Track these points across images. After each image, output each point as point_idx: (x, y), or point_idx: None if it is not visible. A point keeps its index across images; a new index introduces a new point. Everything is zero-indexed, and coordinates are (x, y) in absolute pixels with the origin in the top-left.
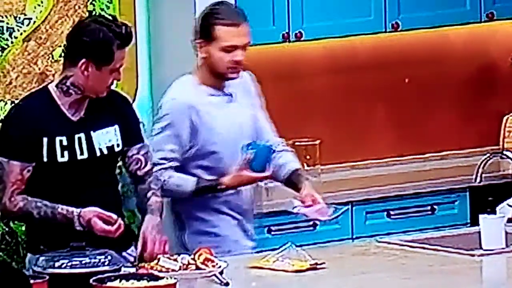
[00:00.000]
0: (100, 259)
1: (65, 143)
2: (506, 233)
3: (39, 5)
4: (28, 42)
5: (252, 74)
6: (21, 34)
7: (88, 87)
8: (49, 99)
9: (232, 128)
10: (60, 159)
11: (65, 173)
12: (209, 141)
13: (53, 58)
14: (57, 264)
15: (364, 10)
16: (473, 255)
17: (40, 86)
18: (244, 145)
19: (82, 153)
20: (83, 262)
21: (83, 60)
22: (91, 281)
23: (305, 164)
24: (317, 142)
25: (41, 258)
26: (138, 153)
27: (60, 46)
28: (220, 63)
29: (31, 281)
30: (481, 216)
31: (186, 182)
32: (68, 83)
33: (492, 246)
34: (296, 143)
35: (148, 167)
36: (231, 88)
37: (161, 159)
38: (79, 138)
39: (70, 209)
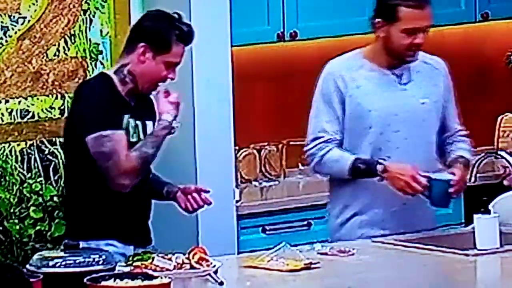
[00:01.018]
0: (94, 258)
1: (133, 125)
2: (501, 233)
3: (33, 4)
4: (23, 41)
5: (445, 63)
6: (15, 33)
7: (140, 75)
8: (112, 84)
9: (387, 109)
10: (131, 139)
11: None
12: (354, 116)
13: (47, 57)
14: (51, 263)
15: (359, 10)
16: (467, 255)
17: (95, 73)
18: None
19: (141, 139)
20: (77, 261)
21: (142, 44)
22: (85, 280)
23: (299, 164)
24: None
25: (35, 257)
26: None
27: (54, 45)
28: (399, 44)
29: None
30: (475, 216)
31: (344, 159)
32: (125, 71)
33: (486, 246)
34: (291, 143)
35: None
36: (407, 72)
37: (320, 131)
38: (137, 125)
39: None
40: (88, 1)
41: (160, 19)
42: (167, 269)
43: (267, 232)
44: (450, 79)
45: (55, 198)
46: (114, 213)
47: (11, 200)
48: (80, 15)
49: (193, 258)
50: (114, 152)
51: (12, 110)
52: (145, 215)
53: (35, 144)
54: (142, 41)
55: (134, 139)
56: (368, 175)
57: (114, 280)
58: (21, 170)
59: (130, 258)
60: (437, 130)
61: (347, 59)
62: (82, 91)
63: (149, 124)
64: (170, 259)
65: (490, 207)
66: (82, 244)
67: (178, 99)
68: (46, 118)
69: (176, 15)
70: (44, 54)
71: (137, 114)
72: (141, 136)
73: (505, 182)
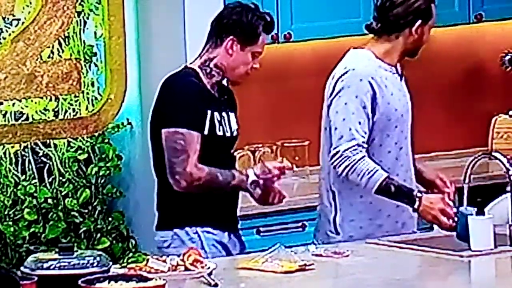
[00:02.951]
0: (89, 260)
1: (218, 118)
2: (495, 234)
3: (27, 6)
4: (17, 43)
5: None
6: (9, 35)
7: (230, 68)
8: (198, 77)
9: (403, 107)
10: (218, 133)
11: (217, 147)
12: (386, 117)
13: (41, 59)
14: (45, 265)
15: (354, 12)
16: (461, 256)
17: (180, 67)
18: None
19: (226, 131)
20: (72, 263)
21: (230, 38)
22: (79, 282)
23: (293, 165)
24: (306, 143)
25: (30, 259)
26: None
27: (48, 47)
28: (425, 41)
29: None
30: (469, 217)
31: (376, 174)
32: (211, 65)
33: (480, 247)
34: (285, 144)
35: None
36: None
37: (352, 134)
38: (223, 117)
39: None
40: (82, 3)
41: (244, 12)
42: (162, 271)
43: (262, 234)
44: None
45: (50, 200)
46: (208, 201)
47: (5, 202)
48: (74, 17)
49: (187, 260)
50: (184, 151)
51: (6, 112)
52: (235, 203)
53: (29, 146)
54: (230, 34)
55: (220, 133)
56: (394, 198)
57: (109, 282)
58: (16, 172)
59: (125, 260)
60: None
61: (368, 60)
62: (169, 85)
63: (231, 115)
64: (164, 261)
65: (486, 210)
66: (177, 231)
67: (281, 166)
68: (40, 120)
69: (253, 5)
70: (38, 56)
71: (221, 107)
72: (226, 128)
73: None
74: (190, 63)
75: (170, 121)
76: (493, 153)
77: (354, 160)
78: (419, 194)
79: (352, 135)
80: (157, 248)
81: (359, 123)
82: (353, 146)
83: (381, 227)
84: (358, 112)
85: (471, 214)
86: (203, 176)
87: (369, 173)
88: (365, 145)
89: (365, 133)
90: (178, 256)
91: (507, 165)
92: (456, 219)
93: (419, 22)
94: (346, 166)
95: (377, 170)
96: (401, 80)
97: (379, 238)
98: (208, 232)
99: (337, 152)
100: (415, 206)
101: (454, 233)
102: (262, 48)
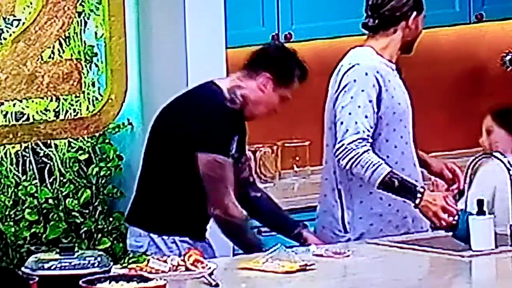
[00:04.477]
0: (89, 261)
1: (237, 140)
2: (496, 234)
3: (28, 6)
4: (18, 43)
5: None
6: (10, 35)
7: (255, 103)
8: (225, 100)
9: (405, 102)
10: (235, 156)
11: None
12: (391, 111)
13: (42, 59)
14: (46, 266)
15: (354, 12)
16: (462, 256)
17: (203, 82)
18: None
19: (236, 152)
20: (73, 263)
21: (266, 75)
22: (80, 282)
23: (294, 165)
24: (307, 143)
25: (30, 260)
26: (246, 160)
27: (49, 47)
28: (419, 34)
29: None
30: (470, 217)
31: (379, 168)
32: (238, 93)
33: (481, 247)
34: (286, 144)
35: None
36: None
37: (358, 127)
38: (238, 139)
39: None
40: (82, 3)
41: (286, 54)
42: (163, 271)
43: (263, 234)
44: None
45: (50, 201)
46: (183, 211)
47: (6, 202)
48: (75, 17)
49: (188, 260)
50: (222, 181)
51: (7, 112)
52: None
53: (30, 146)
54: (267, 71)
55: (236, 155)
56: (397, 193)
57: (110, 283)
58: (16, 173)
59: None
60: None
61: (371, 55)
62: (204, 105)
63: (235, 137)
64: (165, 261)
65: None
66: (154, 237)
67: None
68: (41, 121)
69: (293, 51)
70: (39, 57)
71: (239, 132)
72: (235, 150)
73: None
74: (217, 79)
75: (206, 145)
76: (494, 153)
77: (358, 153)
78: (421, 190)
79: (358, 129)
80: (131, 251)
81: (366, 117)
82: (358, 139)
83: (390, 223)
84: (365, 106)
85: (472, 214)
86: (237, 216)
87: (373, 166)
88: (370, 140)
89: (371, 127)
90: (179, 256)
91: (508, 165)
92: (456, 217)
93: (414, 13)
94: (350, 159)
95: (381, 164)
96: (400, 77)
97: (388, 235)
98: (184, 241)
99: (342, 145)
100: (416, 202)
101: (451, 233)
102: (291, 94)
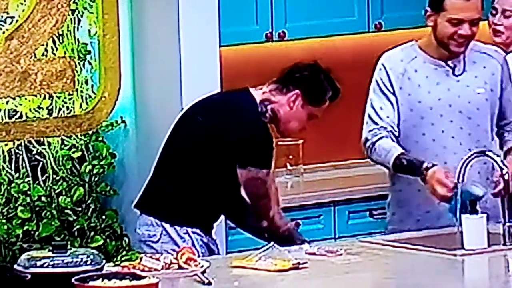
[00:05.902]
0: (82, 258)
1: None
2: (488, 233)
3: (21, 4)
4: (11, 41)
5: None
6: (3, 32)
7: (284, 119)
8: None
9: (439, 100)
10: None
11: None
12: (407, 107)
13: (35, 56)
14: (39, 263)
15: (348, 10)
16: (455, 255)
17: (245, 89)
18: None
19: None
20: (65, 261)
21: (296, 92)
22: (73, 280)
23: (287, 164)
24: (300, 141)
25: (23, 257)
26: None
27: (42, 45)
28: (444, 34)
29: None
30: (463, 216)
31: (390, 151)
32: (268, 107)
33: (474, 246)
34: (279, 143)
35: None
36: (460, 63)
37: (374, 118)
38: None
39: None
40: (76, 1)
41: (319, 73)
42: (155, 269)
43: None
44: (508, 68)
45: (43, 198)
46: (199, 204)
47: None
48: (68, 15)
49: (181, 258)
50: (265, 197)
51: (0, 110)
52: (220, 210)
53: (23, 144)
54: (297, 88)
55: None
56: (409, 173)
57: (102, 280)
58: (9, 170)
59: (119, 258)
60: (494, 118)
61: (401, 50)
62: (239, 112)
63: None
64: (158, 259)
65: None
66: (166, 227)
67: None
68: (34, 118)
69: (327, 70)
70: (32, 54)
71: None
72: None
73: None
74: (252, 89)
75: (251, 161)
76: (487, 152)
77: (373, 143)
78: (429, 166)
79: (372, 120)
80: (141, 241)
81: (381, 108)
82: (373, 129)
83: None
84: (379, 98)
85: (468, 191)
86: (282, 227)
87: (386, 151)
88: (389, 128)
89: (387, 117)
90: (172, 254)
91: (501, 164)
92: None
93: (427, 9)
94: (369, 150)
95: (392, 147)
96: (459, 74)
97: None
98: (197, 233)
99: (364, 140)
100: (422, 177)
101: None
102: (320, 113)
